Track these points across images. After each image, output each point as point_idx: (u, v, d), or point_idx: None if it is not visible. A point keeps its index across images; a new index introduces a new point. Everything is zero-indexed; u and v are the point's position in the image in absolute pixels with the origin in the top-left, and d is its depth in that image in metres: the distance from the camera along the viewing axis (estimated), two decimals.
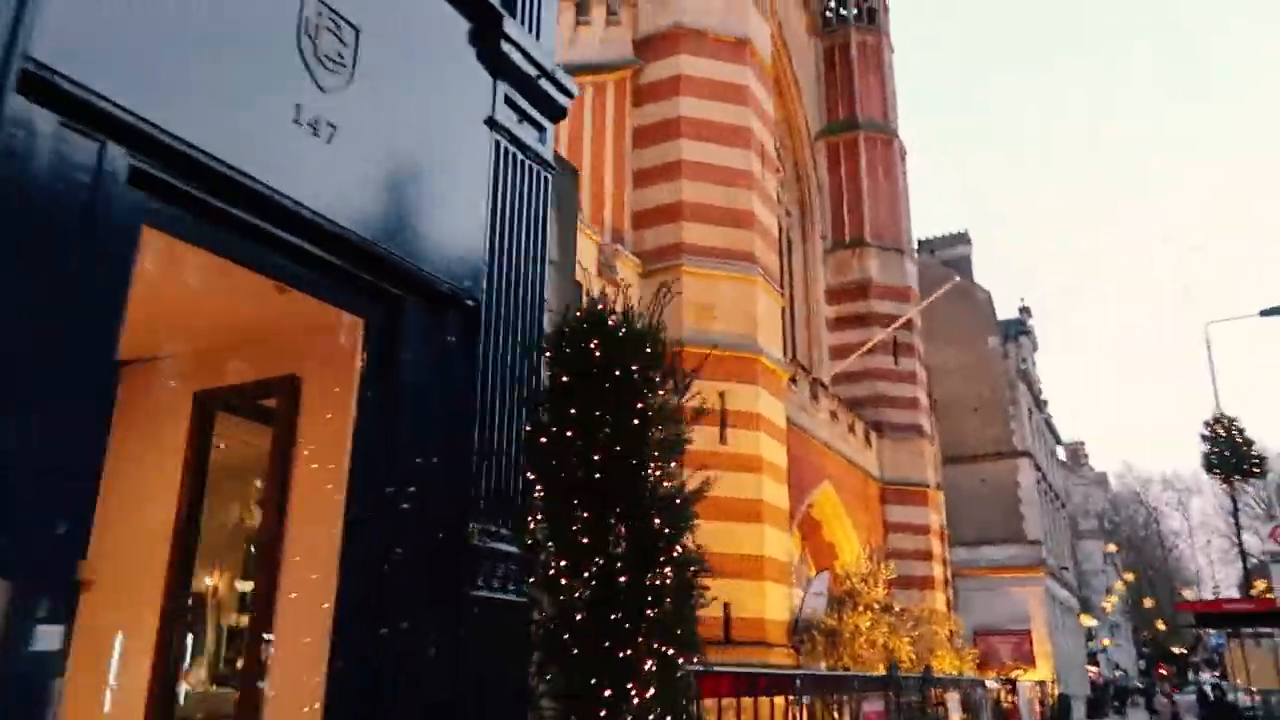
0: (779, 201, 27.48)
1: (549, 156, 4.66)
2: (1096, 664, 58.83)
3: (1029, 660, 33.58)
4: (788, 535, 16.79)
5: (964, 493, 37.27)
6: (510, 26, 4.35)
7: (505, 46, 4.31)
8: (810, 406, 22.47)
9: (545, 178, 4.60)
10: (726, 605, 15.26)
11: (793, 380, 21.60)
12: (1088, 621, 54.02)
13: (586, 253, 14.15)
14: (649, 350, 4.18)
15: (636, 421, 4.08)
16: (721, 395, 16.19)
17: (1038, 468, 40.94)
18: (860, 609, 15.85)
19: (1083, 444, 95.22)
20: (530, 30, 4.58)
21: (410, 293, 3.81)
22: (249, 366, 4.50)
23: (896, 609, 22.86)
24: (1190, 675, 70.11)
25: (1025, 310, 49.52)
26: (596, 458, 4.02)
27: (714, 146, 17.78)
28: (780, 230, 27.41)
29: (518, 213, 4.36)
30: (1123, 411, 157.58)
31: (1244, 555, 22.92)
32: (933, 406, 30.24)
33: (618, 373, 3.97)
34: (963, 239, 46.45)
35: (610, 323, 4.07)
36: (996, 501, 37.97)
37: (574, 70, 16.84)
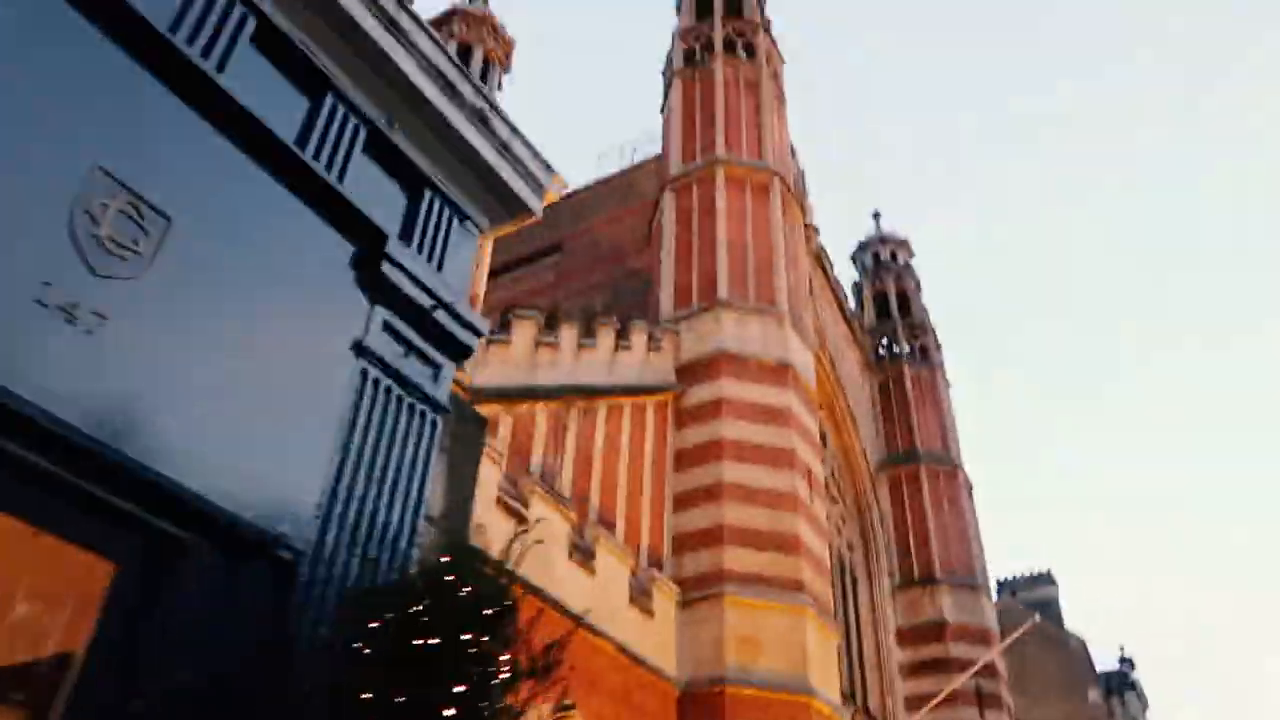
0: (838, 533, 26.12)
1: (443, 398, 3.87)
2: None
3: None
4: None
5: None
6: (398, 250, 3.76)
7: (387, 269, 3.68)
8: None
9: (434, 421, 3.78)
10: None
11: None
12: None
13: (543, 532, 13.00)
14: (490, 613, 3.07)
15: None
16: None
17: None
18: None
19: None
20: (430, 259, 3.99)
21: (191, 532, 2.88)
22: None
23: None
24: None
25: (1127, 661, 44.79)
26: None
27: (757, 469, 16.97)
28: (843, 567, 25.80)
29: (386, 455, 3.50)
30: None
31: None
32: None
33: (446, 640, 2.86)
34: (1046, 579, 43.34)
35: (450, 578, 3.02)
36: None
37: (615, 392, 16.77)
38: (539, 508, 12.66)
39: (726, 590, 15.38)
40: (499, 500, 11.96)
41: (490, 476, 11.93)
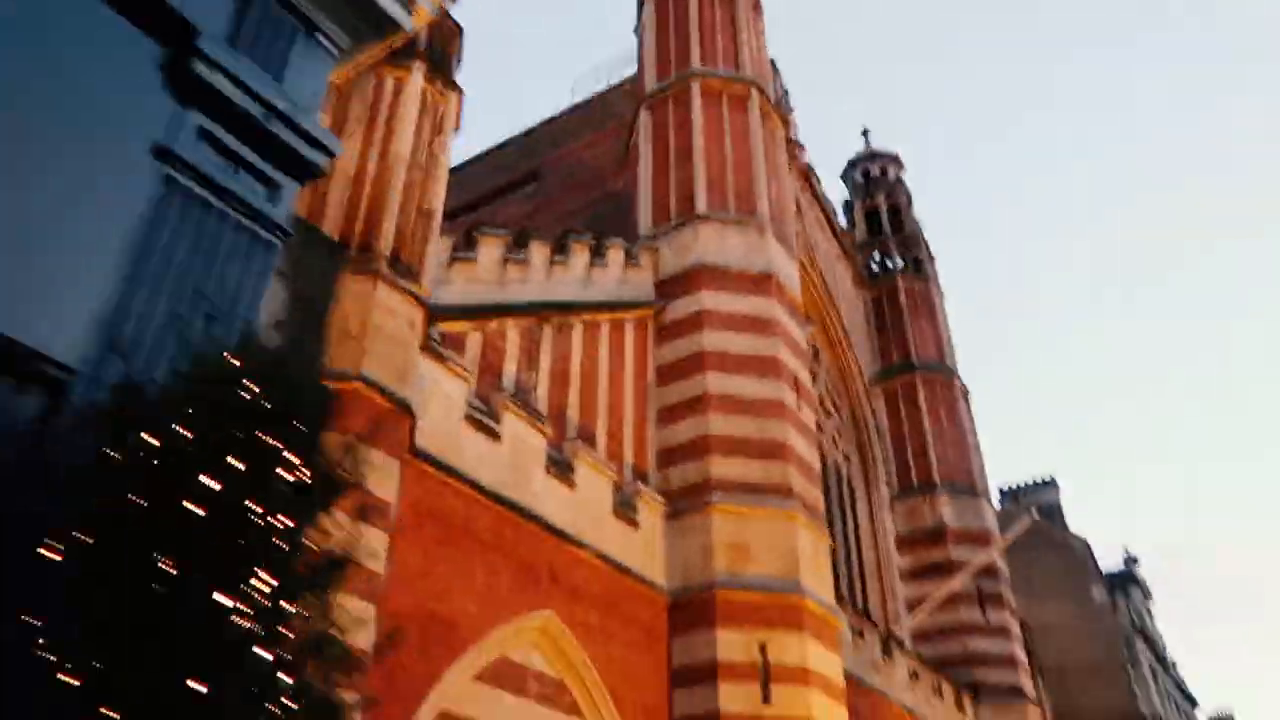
0: (834, 446, 25.79)
1: (281, 218, 3.38)
2: None
3: None
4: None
5: None
6: (218, 51, 3.23)
7: (203, 70, 3.16)
8: (883, 664, 19.46)
9: (269, 243, 3.30)
10: None
11: (859, 634, 18.86)
12: None
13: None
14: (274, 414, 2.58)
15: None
16: (763, 648, 13.82)
17: None
18: None
19: (1231, 715, 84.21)
20: (266, 68, 3.46)
21: None
22: None
23: None
24: None
25: (1132, 560, 44.78)
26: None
27: (742, 379, 16.52)
28: (840, 479, 25.51)
29: (200, 274, 3.02)
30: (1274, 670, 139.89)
31: None
32: (1033, 666, 26.30)
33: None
34: (1050, 485, 43.13)
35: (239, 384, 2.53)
36: None
37: (591, 308, 16.26)
38: (512, 423, 12.26)
39: (714, 499, 15.04)
40: (469, 418, 11.56)
41: (457, 392, 11.52)
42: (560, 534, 12.34)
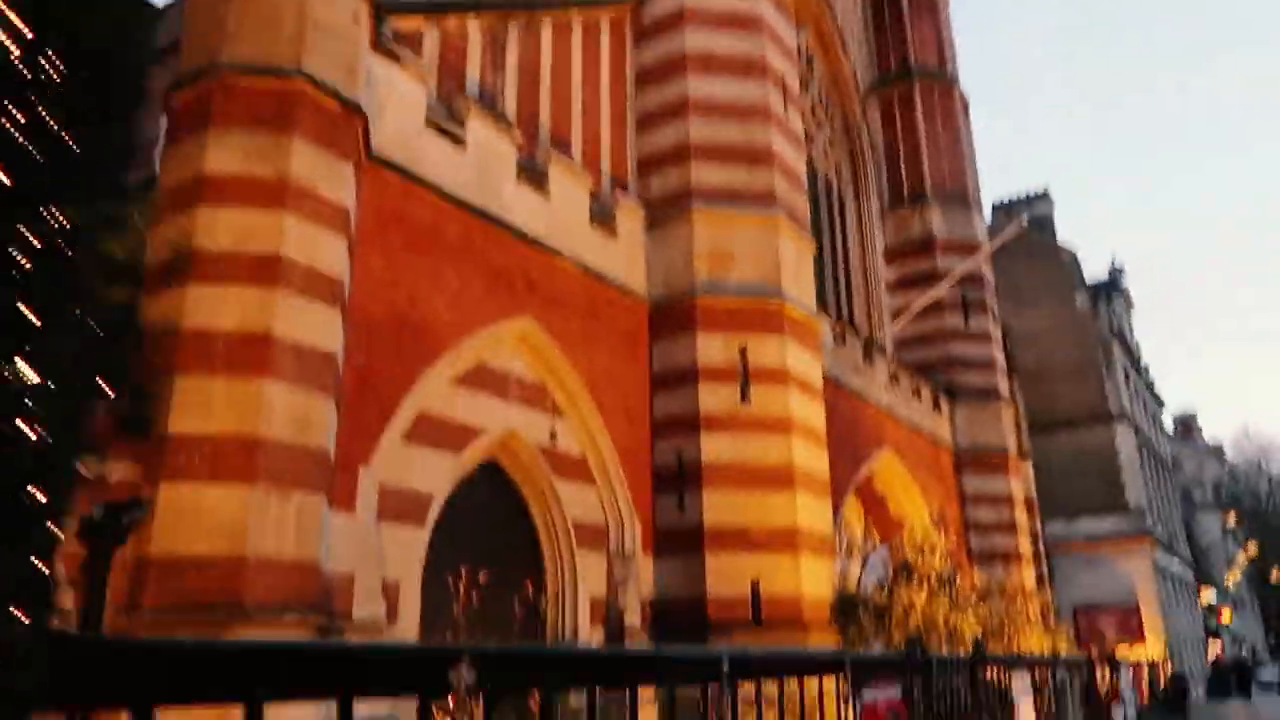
0: (825, 157, 25.01)
1: None
2: (1219, 640, 53.71)
3: (1136, 636, 30.02)
4: (826, 504, 14.43)
5: (1058, 463, 33.80)
6: None
7: None
8: (864, 368, 19.95)
9: None
10: (755, 583, 13.07)
11: (840, 339, 19.17)
12: (1207, 597, 49.21)
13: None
14: None
15: None
16: (743, 351, 13.99)
17: (1138, 432, 36.98)
18: (916, 583, 13.38)
19: (1194, 417, 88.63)
20: None
21: None
22: None
23: (969, 582, 20.08)
24: None
25: (1118, 270, 45.18)
26: None
27: (726, 80, 15.57)
28: (829, 191, 24.96)
29: None
30: (1236, 376, 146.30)
31: None
32: (1013, 370, 27.14)
33: None
34: (1043, 199, 42.58)
35: None
36: (1094, 470, 34.32)
37: (560, 3, 15.03)
38: (478, 128, 11.60)
39: (695, 206, 14.64)
40: (430, 122, 10.89)
41: (415, 94, 10.78)
42: (535, 242, 12.07)
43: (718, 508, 13.33)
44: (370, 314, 9.58)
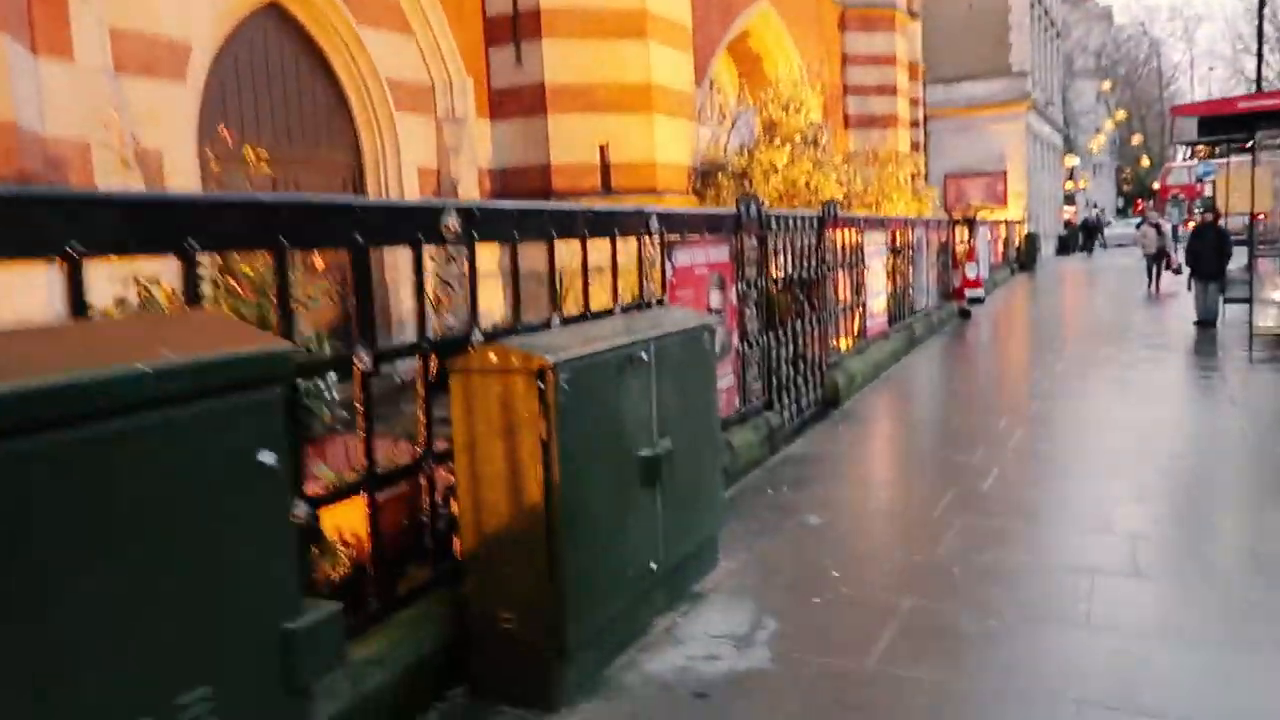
0: None
1: None
2: (1074, 204, 56.81)
3: (999, 201, 30.81)
4: (687, 59, 12.78)
5: (947, 24, 32.09)
6: None
7: None
8: None
9: None
10: (603, 147, 11.76)
11: None
12: (1070, 161, 50.94)
13: None
14: None
15: None
16: None
17: None
18: (778, 143, 12.32)
19: None
20: None
21: None
22: None
23: (841, 146, 19.32)
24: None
25: None
26: None
27: None
28: None
29: None
30: None
31: (1260, 60, 18.70)
32: None
33: None
34: None
35: None
36: (983, 31, 32.81)
37: None
38: None
39: None
40: None
41: None
42: None
43: (561, 62, 11.56)
44: None
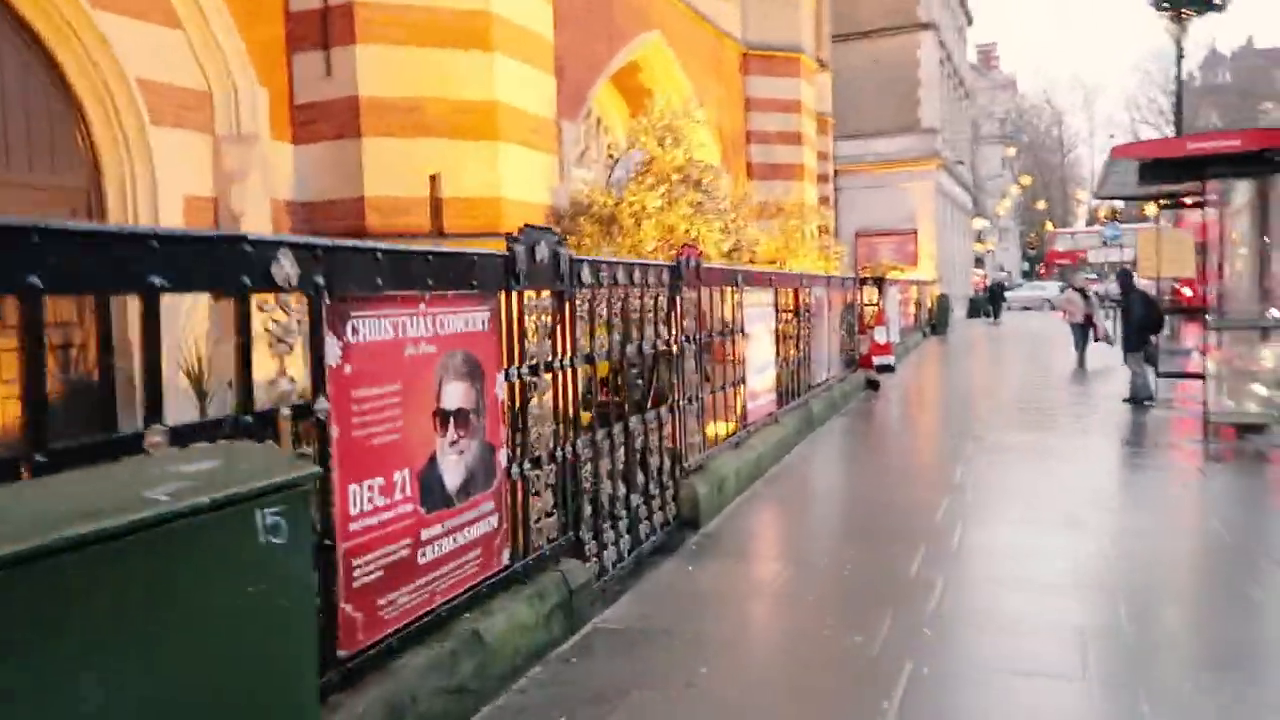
0: None
1: None
2: (983, 267, 56.81)
3: (910, 260, 29.59)
4: (546, 78, 10.69)
5: (856, 77, 31.06)
6: None
7: None
8: None
9: None
10: (433, 178, 9.50)
11: None
12: (978, 224, 50.85)
13: None
14: None
15: None
16: None
17: (943, 45, 34.38)
18: (650, 182, 10.28)
19: (994, 45, 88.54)
20: None
21: None
22: None
23: (739, 193, 17.49)
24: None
25: None
26: None
27: None
28: None
29: None
30: (1038, 9, 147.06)
31: (1179, 107, 17.63)
32: None
33: None
34: None
35: None
36: (892, 86, 31.87)
37: None
38: None
39: None
40: None
41: None
42: None
43: (381, 71, 9.33)
44: None
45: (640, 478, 5.41)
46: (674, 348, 5.94)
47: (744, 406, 7.62)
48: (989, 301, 37.15)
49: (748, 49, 20.42)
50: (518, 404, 3.98)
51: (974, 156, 54.01)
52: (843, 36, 29.81)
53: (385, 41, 9.32)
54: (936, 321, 27.80)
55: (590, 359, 4.71)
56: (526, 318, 4.02)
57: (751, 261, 19.71)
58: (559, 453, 4.30)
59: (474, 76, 9.60)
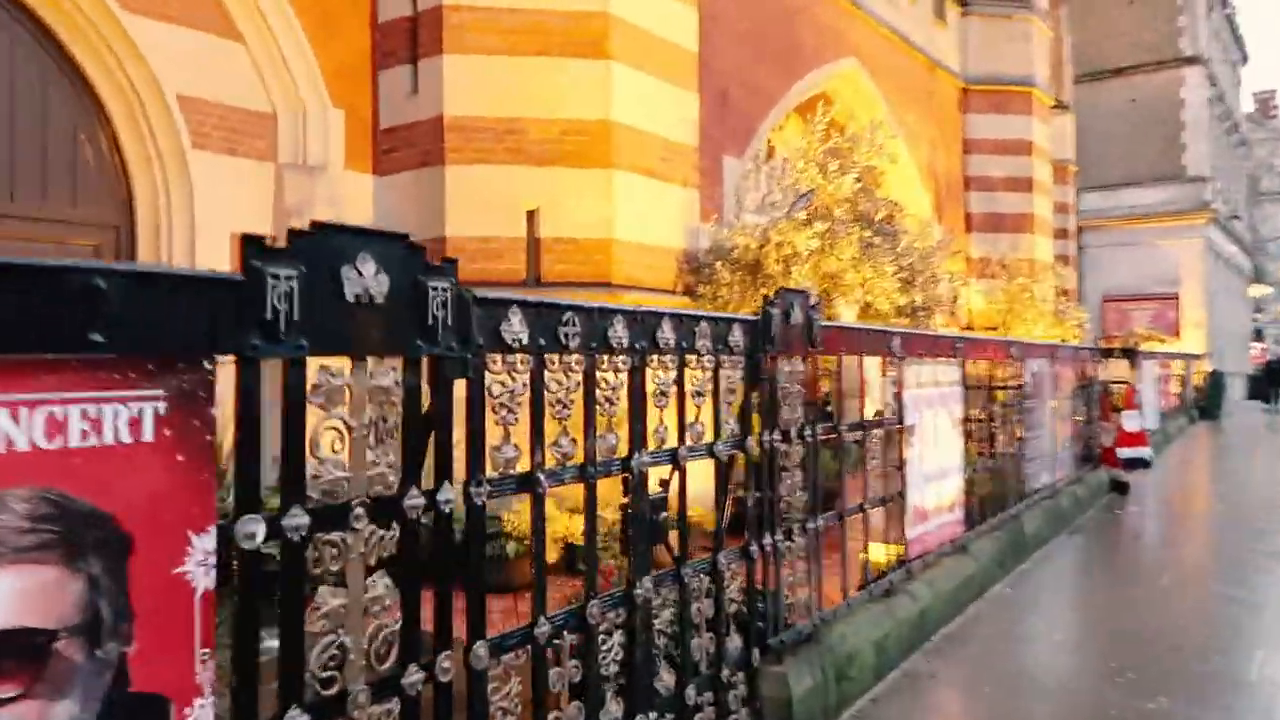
0: None
1: None
2: (1262, 341, 48.93)
3: (1171, 330, 24.90)
4: (687, 94, 8.64)
5: (1103, 121, 27.04)
6: None
7: None
8: None
9: None
10: (531, 214, 7.68)
11: None
12: (1258, 291, 43.64)
13: None
14: None
15: None
16: None
17: (1212, 82, 29.39)
18: (806, 221, 7.84)
19: (1274, 92, 78.71)
20: None
21: None
22: None
23: (962, 252, 14.60)
24: None
25: None
26: None
27: None
28: None
29: None
30: None
31: None
32: None
33: None
34: None
35: None
36: (1149, 130, 27.45)
37: None
38: None
39: None
40: None
41: None
42: None
43: (469, 86, 7.68)
44: None
45: (694, 655, 3.11)
46: (754, 450, 3.60)
47: (902, 533, 5.06)
48: (1268, 382, 30.98)
49: (967, 83, 17.63)
50: None
51: (1252, 214, 46.87)
52: (1088, 76, 26.06)
53: (478, 51, 7.68)
54: (1207, 403, 23.03)
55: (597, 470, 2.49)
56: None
57: (969, 327, 16.69)
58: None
59: (584, 90, 7.75)
